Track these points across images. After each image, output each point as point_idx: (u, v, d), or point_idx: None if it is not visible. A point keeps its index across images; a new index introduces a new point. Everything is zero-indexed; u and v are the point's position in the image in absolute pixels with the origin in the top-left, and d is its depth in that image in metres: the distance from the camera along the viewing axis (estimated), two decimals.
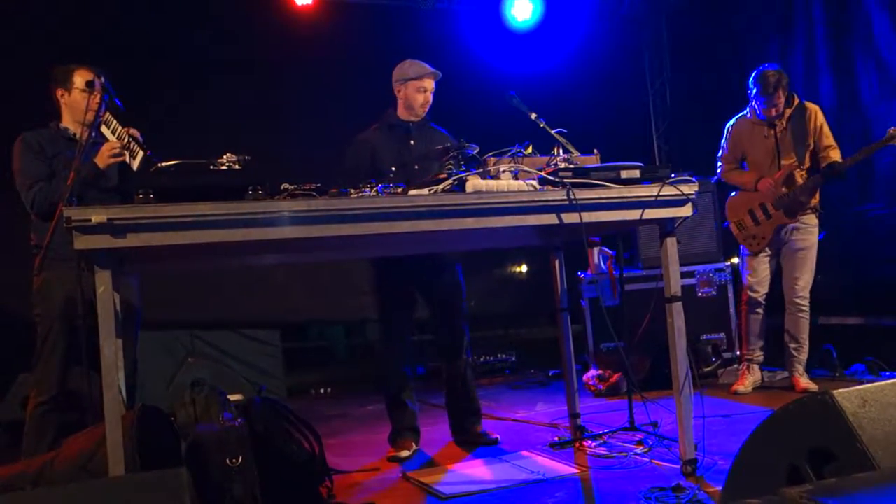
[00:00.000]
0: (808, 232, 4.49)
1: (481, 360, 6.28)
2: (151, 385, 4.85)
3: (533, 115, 3.47)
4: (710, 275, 5.34)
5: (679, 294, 3.02)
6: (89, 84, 3.24)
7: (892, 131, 4.14)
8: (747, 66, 4.55)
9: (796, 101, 4.48)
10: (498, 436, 3.86)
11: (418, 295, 3.87)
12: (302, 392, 6.04)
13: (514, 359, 6.51)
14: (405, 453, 3.67)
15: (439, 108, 3.89)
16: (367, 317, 6.52)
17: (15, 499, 1.75)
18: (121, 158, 3.17)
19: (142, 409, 2.67)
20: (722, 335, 5.29)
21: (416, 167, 3.65)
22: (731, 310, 5.30)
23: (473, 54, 6.32)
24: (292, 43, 6.02)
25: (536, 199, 2.76)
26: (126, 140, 3.18)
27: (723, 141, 4.72)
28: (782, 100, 4.40)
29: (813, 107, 4.48)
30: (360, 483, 3.30)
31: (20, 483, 2.67)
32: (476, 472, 3.34)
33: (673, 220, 2.99)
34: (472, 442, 3.83)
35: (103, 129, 3.23)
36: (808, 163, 4.45)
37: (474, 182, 2.75)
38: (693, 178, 2.94)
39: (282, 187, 2.58)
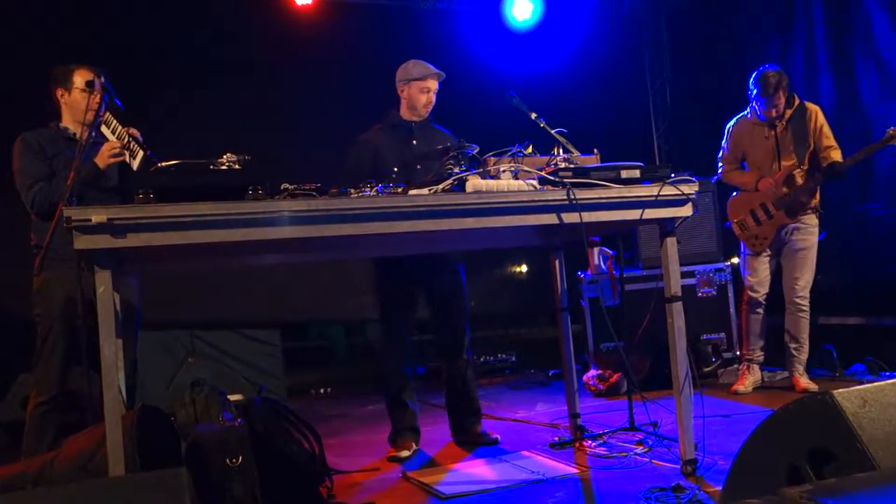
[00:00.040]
0: (808, 232, 4.49)
1: (481, 360, 6.28)
2: (151, 385, 4.85)
3: (533, 115, 3.47)
4: (711, 275, 5.34)
5: (679, 294, 3.02)
6: (89, 84, 3.24)
7: (891, 131, 4.14)
8: (747, 66, 4.55)
9: (797, 101, 4.48)
10: (498, 436, 3.86)
11: (420, 294, 3.87)
12: (302, 392, 6.04)
13: (514, 359, 6.51)
14: (405, 453, 3.67)
15: (440, 108, 3.89)
16: (367, 317, 6.52)
17: (15, 499, 1.75)
18: (121, 158, 3.17)
19: (142, 409, 2.67)
20: (722, 335, 5.29)
21: (419, 167, 3.65)
22: (732, 310, 5.30)
23: (473, 54, 6.32)
24: (292, 43, 6.02)
25: (536, 199, 2.76)
26: (126, 140, 3.18)
27: (723, 141, 4.72)
28: (782, 100, 4.40)
29: (813, 107, 4.48)
30: (360, 483, 3.30)
31: (20, 483, 2.67)
32: (476, 472, 3.34)
33: (673, 219, 2.99)
34: (473, 442, 3.83)
35: (103, 128, 3.23)
36: (808, 163, 4.45)
37: (474, 182, 2.75)
38: (693, 178, 2.94)
39: (282, 187, 2.58)
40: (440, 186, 2.76)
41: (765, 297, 4.61)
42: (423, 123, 3.84)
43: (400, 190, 2.71)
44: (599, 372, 5.06)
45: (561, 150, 3.14)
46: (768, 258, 4.60)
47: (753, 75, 4.45)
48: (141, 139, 3.19)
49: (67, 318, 3.19)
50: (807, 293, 4.51)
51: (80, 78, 3.32)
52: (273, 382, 5.64)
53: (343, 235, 2.58)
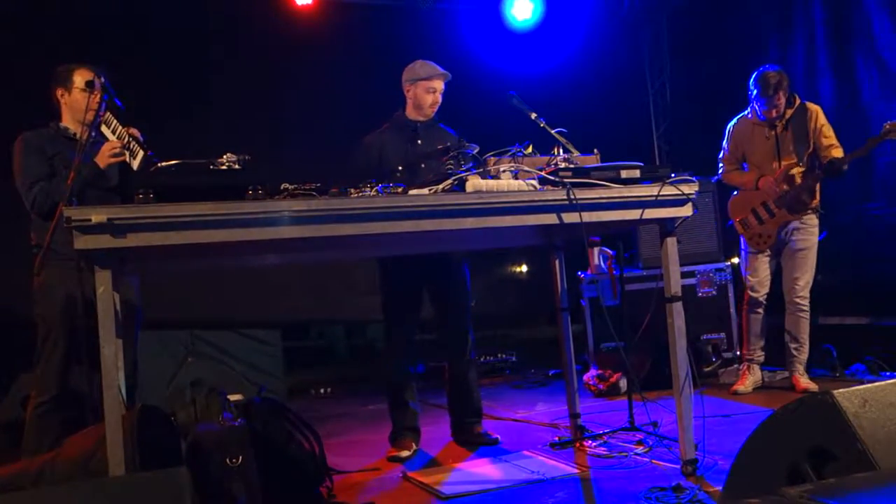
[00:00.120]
0: (808, 232, 4.49)
1: (481, 360, 6.28)
2: (151, 385, 4.85)
3: (533, 115, 3.47)
4: (711, 275, 5.34)
5: (679, 294, 3.02)
6: (89, 84, 3.24)
7: (888, 126, 4.13)
8: (747, 66, 4.55)
9: (797, 101, 4.48)
10: (498, 436, 3.86)
11: (424, 294, 3.87)
12: (302, 392, 6.04)
13: (514, 359, 6.51)
14: (405, 453, 3.67)
15: (440, 107, 3.89)
16: (367, 317, 6.52)
17: (15, 499, 1.75)
18: (121, 158, 3.17)
19: (142, 409, 2.67)
20: (722, 335, 5.29)
21: (422, 166, 3.66)
22: (732, 310, 5.30)
23: (473, 54, 6.32)
24: (292, 43, 6.02)
25: (536, 198, 2.76)
26: (126, 140, 3.18)
27: (723, 142, 4.72)
28: (783, 101, 4.40)
29: (814, 107, 4.48)
30: (361, 483, 3.30)
31: (20, 482, 2.67)
32: (476, 472, 3.34)
33: (673, 219, 2.99)
34: (473, 442, 3.83)
35: (103, 128, 3.23)
36: (807, 163, 4.44)
37: (474, 182, 2.75)
38: (693, 178, 2.94)
39: (282, 187, 2.58)
40: (440, 186, 2.76)
41: (765, 297, 4.61)
42: (428, 124, 3.84)
43: (400, 190, 2.71)
44: (599, 372, 5.06)
45: (561, 150, 3.14)
46: (768, 258, 4.60)
47: (754, 75, 4.45)
48: (142, 139, 3.19)
49: (68, 317, 3.18)
50: (807, 293, 4.51)
51: (80, 78, 3.32)
52: (273, 382, 5.63)
53: (343, 235, 2.59)
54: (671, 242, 3.02)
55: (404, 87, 3.85)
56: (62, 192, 2.91)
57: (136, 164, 3.14)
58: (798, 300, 4.51)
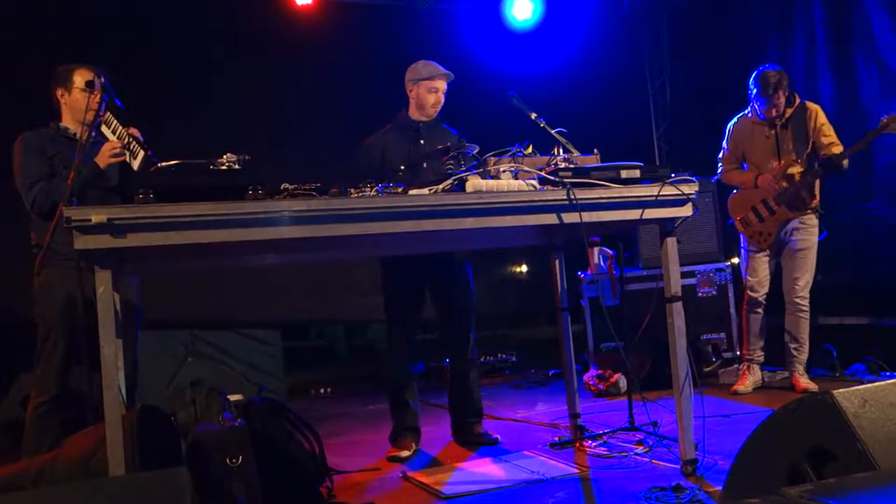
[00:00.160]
0: (808, 232, 4.49)
1: (481, 360, 6.28)
2: (151, 385, 4.85)
3: (533, 115, 3.47)
4: (711, 275, 5.34)
5: (679, 294, 3.02)
6: (89, 84, 3.24)
7: (885, 119, 4.12)
8: (747, 66, 4.55)
9: (797, 100, 4.48)
10: (498, 436, 3.86)
11: (426, 294, 3.87)
12: (302, 392, 6.04)
13: (514, 359, 6.51)
14: (405, 453, 3.67)
15: (442, 107, 3.89)
16: (367, 317, 6.53)
17: (15, 499, 1.75)
18: (121, 158, 3.17)
19: (142, 409, 2.67)
20: (722, 335, 5.29)
21: (425, 166, 3.66)
22: (732, 310, 5.30)
23: (473, 54, 6.32)
24: (292, 43, 6.02)
25: (536, 199, 2.76)
26: (126, 140, 3.18)
27: (723, 142, 4.72)
28: (782, 100, 4.40)
29: (814, 107, 4.48)
30: (361, 483, 3.30)
31: (21, 482, 2.67)
32: (476, 472, 3.34)
33: (673, 219, 2.99)
34: (473, 442, 3.83)
35: (104, 128, 3.23)
36: (807, 161, 4.44)
37: (474, 182, 2.75)
38: (693, 178, 2.94)
39: (282, 187, 2.58)
40: (440, 186, 2.76)
41: (764, 297, 4.61)
42: (431, 124, 3.84)
43: (400, 190, 2.71)
44: (599, 372, 5.06)
45: (561, 150, 3.14)
46: (768, 258, 4.60)
47: (753, 74, 4.45)
48: (142, 139, 3.19)
49: (68, 317, 3.18)
50: (807, 293, 4.51)
51: (80, 78, 3.32)
52: (273, 382, 5.64)
53: (343, 235, 2.59)
54: (671, 242, 3.02)
55: (407, 87, 3.85)
56: (62, 192, 2.91)
57: (136, 164, 3.14)
58: (798, 300, 4.51)
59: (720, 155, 4.74)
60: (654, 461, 3.26)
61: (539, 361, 6.37)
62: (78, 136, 3.28)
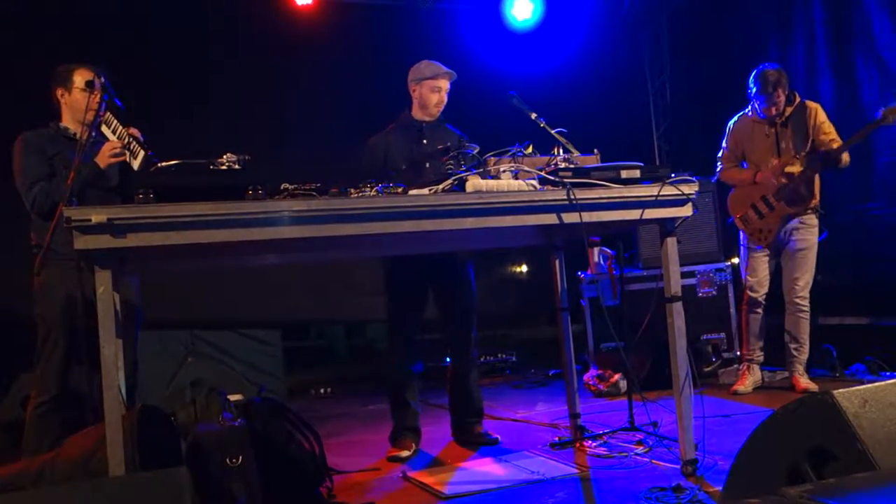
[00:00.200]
0: (808, 232, 4.49)
1: (482, 359, 6.28)
2: (151, 385, 4.85)
3: (533, 115, 3.47)
4: (711, 275, 5.34)
5: (679, 294, 3.02)
6: (89, 83, 3.24)
7: (884, 111, 4.11)
8: (747, 66, 4.55)
9: (797, 99, 4.49)
10: (498, 436, 3.86)
11: (429, 293, 3.87)
12: (302, 392, 6.04)
13: (514, 359, 6.51)
14: (405, 453, 3.67)
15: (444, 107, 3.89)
16: (367, 317, 6.52)
17: (15, 499, 1.75)
18: (121, 158, 3.17)
19: (142, 409, 2.67)
20: (722, 335, 5.29)
21: (427, 166, 3.66)
22: (732, 310, 5.30)
23: (473, 54, 6.32)
24: (292, 43, 6.02)
25: (536, 199, 2.76)
26: (127, 140, 3.18)
27: (723, 140, 4.72)
28: (782, 98, 4.40)
29: (814, 105, 4.48)
30: (361, 483, 3.30)
31: (20, 482, 2.67)
32: (476, 472, 3.34)
33: (673, 219, 2.99)
34: (473, 442, 3.83)
35: (104, 128, 3.23)
36: (807, 157, 4.43)
37: (474, 182, 2.75)
38: (693, 178, 2.94)
39: (282, 187, 2.58)
40: (440, 186, 2.76)
41: (764, 297, 4.61)
42: (434, 123, 3.84)
43: (400, 190, 2.71)
44: (599, 372, 5.06)
45: (561, 150, 3.14)
46: (767, 258, 4.60)
47: (753, 73, 4.46)
48: (142, 139, 3.19)
49: (68, 317, 3.18)
50: (807, 293, 4.51)
51: (80, 78, 3.32)
52: (273, 382, 5.64)
53: (343, 235, 2.58)
54: (671, 242, 3.02)
55: (410, 87, 3.85)
56: (62, 192, 2.91)
57: (136, 164, 3.14)
58: (798, 300, 4.51)
59: (719, 154, 4.74)
60: (654, 461, 3.26)
61: (539, 361, 6.37)
62: (78, 136, 3.28)
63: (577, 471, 3.21)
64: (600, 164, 3.07)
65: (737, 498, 1.78)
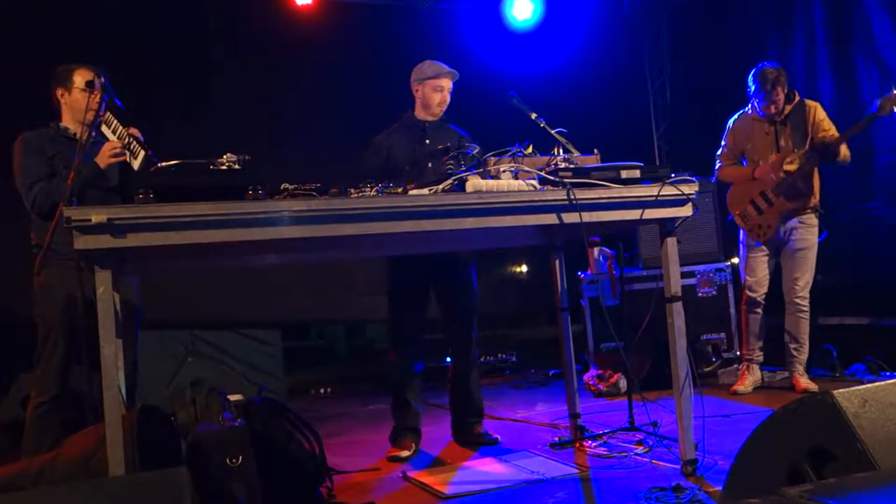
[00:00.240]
0: (808, 232, 4.48)
1: (482, 359, 6.28)
2: (151, 385, 4.85)
3: (533, 115, 3.47)
4: (711, 275, 5.34)
5: (679, 294, 3.02)
6: (89, 84, 3.24)
7: (881, 101, 4.11)
8: (747, 66, 4.55)
9: (797, 97, 4.49)
10: (498, 436, 3.86)
11: (431, 293, 3.88)
12: (302, 392, 6.04)
13: (514, 359, 6.51)
14: (405, 453, 3.67)
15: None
16: (367, 317, 6.52)
17: (15, 499, 1.75)
18: (122, 158, 3.17)
19: (142, 409, 2.67)
20: (722, 335, 5.29)
21: (430, 165, 3.66)
22: (732, 310, 5.30)
23: (473, 54, 6.32)
24: (292, 43, 6.02)
25: (536, 199, 2.76)
26: (127, 140, 3.18)
27: (723, 139, 4.72)
28: (781, 96, 4.41)
29: (813, 103, 4.48)
30: (361, 483, 3.30)
31: (20, 482, 2.67)
32: (476, 472, 3.34)
33: (673, 219, 2.99)
34: (473, 442, 3.83)
35: (104, 128, 3.23)
36: (806, 151, 4.42)
37: (474, 182, 2.75)
38: (693, 178, 2.94)
39: (282, 187, 2.58)
40: (440, 186, 2.76)
41: (763, 296, 4.61)
42: (437, 123, 3.84)
43: (400, 190, 2.71)
44: (599, 372, 5.06)
45: (561, 150, 3.14)
46: (767, 257, 4.60)
47: (752, 71, 4.46)
48: (142, 139, 3.19)
49: (68, 317, 3.18)
50: (807, 293, 4.51)
51: (80, 78, 3.32)
52: (273, 382, 5.64)
53: (343, 235, 2.58)
54: (671, 242, 3.02)
55: (413, 87, 3.86)
56: (62, 192, 2.91)
57: (137, 164, 3.14)
58: (798, 300, 4.51)
59: (718, 152, 4.74)
60: (654, 461, 3.26)
61: (539, 361, 6.37)
62: (78, 136, 3.28)
63: (577, 471, 3.21)
64: (600, 164, 3.07)
65: (737, 498, 1.78)
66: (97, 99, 3.20)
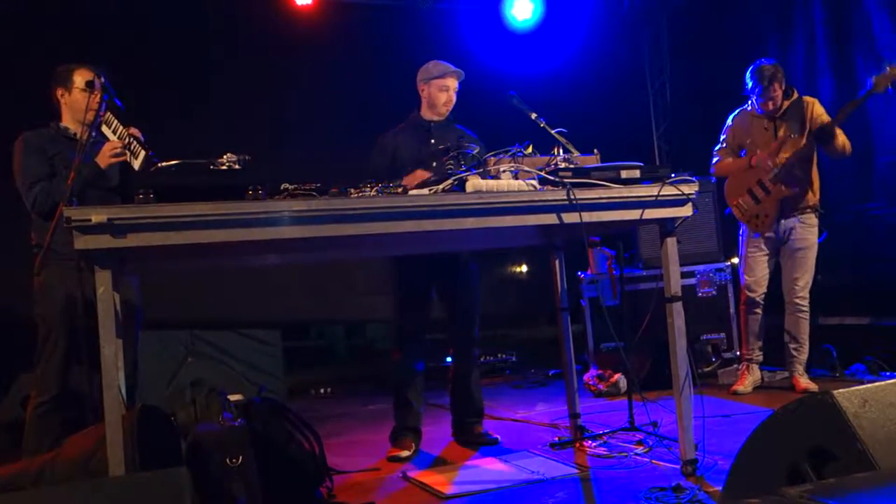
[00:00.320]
0: (807, 231, 4.48)
1: (482, 359, 6.28)
2: (151, 385, 4.85)
3: (533, 115, 3.47)
4: (711, 275, 5.34)
5: (679, 294, 3.02)
6: (89, 84, 3.24)
7: (875, 79, 4.10)
8: (747, 66, 4.56)
9: (795, 94, 4.49)
10: (498, 436, 3.87)
11: (435, 293, 3.88)
12: (302, 392, 6.04)
13: (514, 359, 6.51)
14: (406, 453, 3.68)
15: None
16: (367, 317, 6.52)
17: (15, 499, 1.76)
18: (122, 158, 3.17)
19: (142, 409, 2.67)
20: (722, 335, 5.29)
21: (434, 165, 3.66)
22: (732, 310, 5.30)
23: (473, 54, 6.31)
24: (292, 43, 6.02)
25: (536, 199, 2.76)
26: (127, 140, 3.18)
27: (722, 134, 4.72)
28: (779, 93, 4.41)
29: (811, 99, 4.49)
30: (361, 483, 3.30)
31: (21, 482, 2.67)
32: (476, 472, 3.35)
33: (673, 219, 2.99)
34: (473, 442, 3.83)
35: (104, 128, 3.23)
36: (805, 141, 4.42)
37: (474, 182, 2.75)
38: (693, 178, 2.94)
39: (282, 187, 2.58)
40: (440, 186, 2.76)
41: (762, 296, 4.61)
42: (443, 123, 3.85)
43: (400, 190, 2.71)
44: (599, 372, 5.06)
45: (561, 150, 3.14)
46: (766, 257, 4.59)
47: (749, 69, 4.46)
48: (142, 139, 3.19)
49: (68, 317, 3.18)
50: (806, 293, 4.51)
51: (80, 78, 3.32)
52: (273, 382, 5.64)
53: (343, 235, 2.58)
54: (671, 242, 3.02)
55: (419, 87, 3.86)
56: (62, 192, 2.91)
57: (137, 164, 3.14)
58: (798, 300, 4.51)
59: (716, 148, 4.74)
60: (654, 461, 3.26)
61: (539, 361, 6.36)
62: (78, 136, 3.28)
63: (577, 471, 3.22)
64: (600, 164, 3.07)
65: (737, 498, 1.78)
66: (97, 99, 3.20)
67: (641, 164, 2.94)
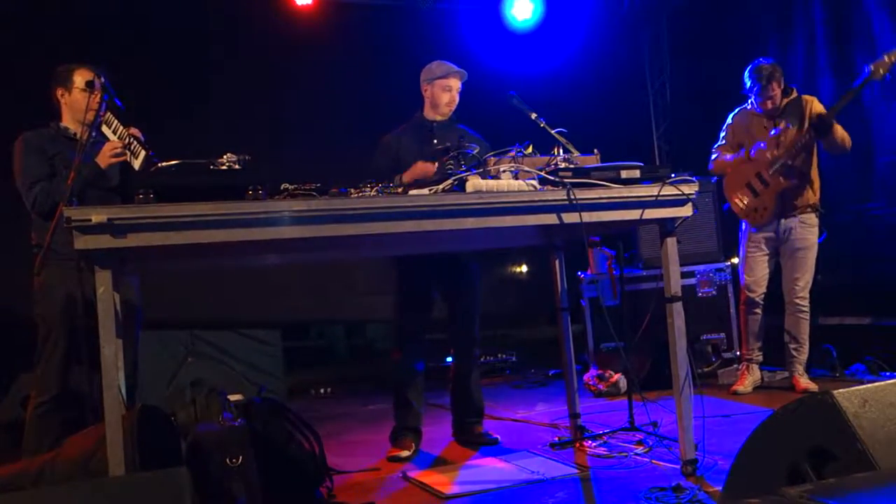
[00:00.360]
0: (807, 231, 4.48)
1: (482, 359, 6.28)
2: (151, 385, 4.85)
3: (533, 115, 3.47)
4: (711, 275, 5.34)
5: (679, 294, 3.02)
6: (89, 84, 3.24)
7: (873, 66, 4.08)
8: (747, 66, 4.56)
9: (794, 93, 4.49)
10: (498, 436, 3.87)
11: (437, 293, 3.88)
12: (302, 392, 6.04)
13: (514, 359, 6.51)
14: (405, 453, 3.68)
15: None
16: (367, 317, 6.51)
17: (15, 499, 1.76)
18: (122, 158, 3.17)
19: (142, 409, 2.67)
20: (722, 335, 5.29)
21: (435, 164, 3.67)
22: (732, 310, 5.29)
23: (473, 54, 6.30)
24: (292, 43, 6.02)
25: (536, 199, 2.76)
26: (127, 140, 3.18)
27: (721, 132, 4.72)
28: (777, 92, 4.41)
29: (810, 97, 4.49)
30: (361, 483, 3.30)
31: (21, 482, 2.67)
32: (476, 472, 3.35)
33: (673, 219, 2.99)
34: (473, 442, 3.84)
35: (104, 128, 3.23)
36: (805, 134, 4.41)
37: (474, 182, 2.76)
38: (693, 178, 2.94)
39: (282, 187, 2.58)
40: (440, 186, 2.76)
41: (762, 296, 4.61)
42: (445, 123, 3.85)
43: (400, 190, 2.71)
44: (599, 372, 5.06)
45: (561, 150, 3.14)
46: (766, 257, 4.59)
47: (748, 68, 4.46)
48: (143, 139, 3.19)
49: (68, 317, 3.18)
50: (807, 293, 4.51)
51: (80, 78, 3.32)
52: (273, 382, 5.64)
53: (343, 235, 2.59)
54: (671, 242, 3.02)
55: (422, 87, 3.86)
56: (63, 192, 2.91)
57: (137, 164, 3.14)
58: (798, 301, 4.51)
59: (715, 146, 4.74)
60: (654, 461, 3.26)
61: (539, 361, 6.36)
62: (78, 136, 3.28)
63: (577, 471, 3.22)
64: (600, 164, 3.07)
65: (737, 498, 1.79)
66: (97, 99, 3.20)
67: (641, 164, 2.94)
